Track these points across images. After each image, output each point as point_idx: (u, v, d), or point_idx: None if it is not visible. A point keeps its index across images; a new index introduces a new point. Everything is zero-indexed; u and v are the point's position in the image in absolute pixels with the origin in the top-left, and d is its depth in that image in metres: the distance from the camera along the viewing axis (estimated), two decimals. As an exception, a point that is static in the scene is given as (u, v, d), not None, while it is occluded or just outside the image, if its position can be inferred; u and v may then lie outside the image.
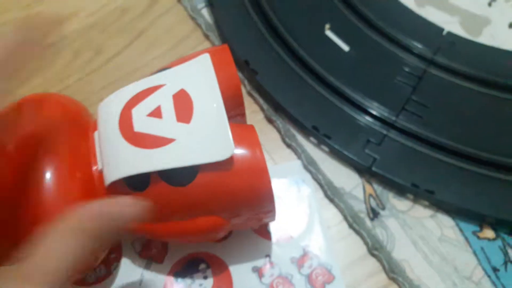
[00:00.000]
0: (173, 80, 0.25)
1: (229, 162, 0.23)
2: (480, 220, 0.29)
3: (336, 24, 0.35)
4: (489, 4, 0.37)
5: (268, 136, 0.33)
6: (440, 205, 0.30)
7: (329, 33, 0.35)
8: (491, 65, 0.33)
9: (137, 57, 0.36)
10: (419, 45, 0.34)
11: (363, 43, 0.34)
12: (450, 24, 0.36)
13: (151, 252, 0.28)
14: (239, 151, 0.23)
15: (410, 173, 0.30)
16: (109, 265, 0.28)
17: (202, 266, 0.28)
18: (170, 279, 0.28)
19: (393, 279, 0.28)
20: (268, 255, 0.29)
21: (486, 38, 0.35)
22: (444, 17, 0.36)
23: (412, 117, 0.31)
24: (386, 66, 0.33)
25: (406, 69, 0.33)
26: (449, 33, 0.35)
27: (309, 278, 0.28)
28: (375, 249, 0.28)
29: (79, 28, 0.37)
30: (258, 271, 0.28)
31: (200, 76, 0.25)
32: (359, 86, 0.32)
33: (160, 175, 0.23)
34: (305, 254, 0.29)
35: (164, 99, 0.24)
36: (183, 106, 0.24)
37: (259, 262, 0.28)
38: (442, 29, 0.35)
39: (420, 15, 0.36)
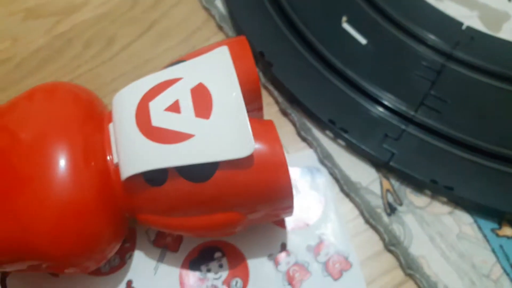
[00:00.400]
0: (191, 73, 0.25)
1: (249, 158, 0.22)
2: (499, 217, 0.29)
3: (353, 17, 0.34)
4: (509, 0, 0.37)
5: (283, 129, 0.32)
6: (458, 202, 0.29)
7: (346, 26, 0.34)
8: (511, 60, 0.33)
9: (148, 48, 0.36)
10: (438, 39, 0.33)
11: (380, 36, 0.34)
12: (470, 19, 0.35)
13: (165, 241, 0.28)
14: (259, 147, 0.23)
15: (429, 168, 0.29)
16: (123, 255, 0.28)
17: (218, 254, 0.28)
18: (185, 267, 0.27)
19: (410, 275, 0.28)
20: (284, 243, 0.28)
21: (506, 33, 0.35)
22: (463, 11, 0.36)
23: (431, 112, 0.31)
24: (404, 60, 0.33)
25: (425, 63, 0.33)
26: (469, 28, 0.34)
27: (326, 265, 0.28)
28: (392, 245, 0.28)
29: (89, 18, 0.37)
30: (274, 259, 0.28)
31: (218, 69, 0.24)
32: (377, 79, 0.32)
33: (178, 170, 0.22)
34: (321, 242, 0.28)
35: (182, 93, 0.24)
36: (202, 101, 0.23)
37: (275, 250, 0.28)
38: (461, 24, 0.34)
39: (439, 9, 0.35)
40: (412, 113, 0.31)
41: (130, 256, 0.28)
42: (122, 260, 0.28)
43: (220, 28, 0.36)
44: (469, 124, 0.30)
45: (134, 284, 0.27)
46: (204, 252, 0.28)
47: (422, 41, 0.33)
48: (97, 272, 0.27)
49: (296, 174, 0.30)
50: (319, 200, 0.30)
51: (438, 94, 0.31)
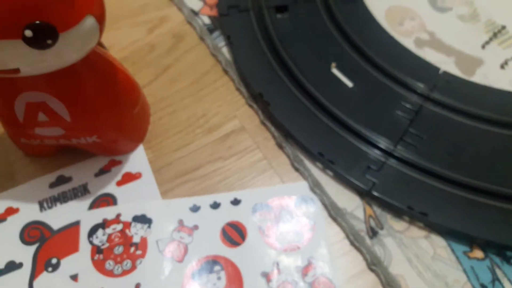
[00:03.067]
0: None
1: None
2: (470, 241, 0.32)
3: (341, 63, 0.39)
4: (483, 47, 0.41)
5: (279, 161, 0.36)
6: (433, 227, 0.33)
7: (335, 71, 0.39)
8: (483, 102, 0.37)
9: (163, 88, 0.40)
10: (417, 83, 0.38)
11: (365, 80, 0.38)
12: (446, 64, 0.40)
13: (172, 252, 0.32)
14: None
15: (406, 197, 0.33)
16: (134, 260, 0.32)
17: (217, 267, 0.31)
18: (188, 276, 0.31)
19: (389, 292, 0.31)
20: (276, 263, 0.32)
21: (479, 77, 0.39)
22: (440, 57, 0.40)
23: (409, 147, 0.35)
24: (386, 100, 0.37)
25: (405, 104, 0.37)
26: (445, 73, 0.39)
27: (311, 285, 0.31)
28: (374, 265, 0.31)
29: (112, 62, 0.42)
30: (267, 276, 0.31)
31: None
32: (361, 118, 0.36)
33: None
34: (309, 264, 0.32)
35: None
36: None
37: (268, 268, 0.32)
38: (438, 69, 0.39)
39: (419, 56, 0.40)
40: (392, 147, 0.35)
41: (141, 262, 0.32)
42: (133, 265, 0.32)
43: (226, 72, 0.41)
44: (443, 157, 0.34)
45: (141, 287, 0.31)
46: (206, 264, 0.32)
47: (402, 84, 0.38)
48: (111, 274, 0.31)
49: (292, 202, 0.34)
50: (311, 227, 0.33)
51: (416, 131, 0.35)
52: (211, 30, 0.43)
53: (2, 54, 0.23)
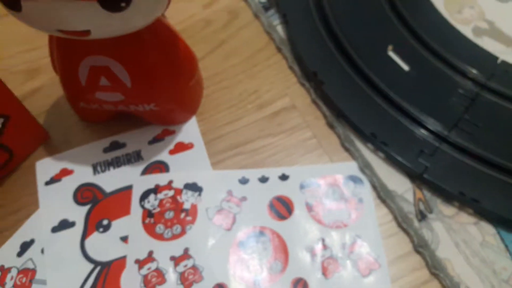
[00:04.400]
0: None
1: None
2: (521, 231, 0.32)
3: (398, 46, 0.39)
4: (544, 39, 0.40)
5: (329, 140, 0.37)
6: (483, 214, 0.32)
7: (391, 54, 0.38)
8: (541, 93, 0.36)
9: (217, 63, 0.41)
10: (474, 71, 0.37)
11: (422, 64, 0.38)
12: (505, 54, 0.39)
13: (221, 220, 0.33)
14: None
15: (458, 182, 0.33)
16: (184, 226, 0.33)
17: (264, 238, 0.32)
18: (236, 244, 0.32)
19: (435, 275, 0.31)
20: (322, 239, 0.32)
21: (539, 69, 0.38)
22: (499, 47, 0.39)
23: (463, 134, 0.34)
24: (442, 86, 0.37)
25: (461, 91, 0.36)
26: (503, 62, 0.38)
27: (357, 263, 0.31)
28: (420, 247, 0.31)
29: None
30: (312, 251, 0.32)
31: None
32: (416, 102, 0.36)
33: None
34: (355, 242, 0.32)
35: None
36: None
37: (313, 243, 0.32)
38: (497, 58, 0.38)
39: (477, 44, 0.39)
40: (446, 133, 0.34)
41: (190, 228, 0.33)
42: (183, 230, 0.32)
43: (279, 50, 0.41)
44: (498, 146, 0.34)
45: (190, 252, 0.32)
46: (253, 234, 0.32)
47: (459, 71, 0.37)
48: (160, 237, 0.32)
49: (340, 181, 0.34)
50: (359, 206, 0.33)
51: (471, 119, 0.35)
52: (266, 8, 0.43)
53: (76, 15, 0.24)
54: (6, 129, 0.32)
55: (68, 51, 0.31)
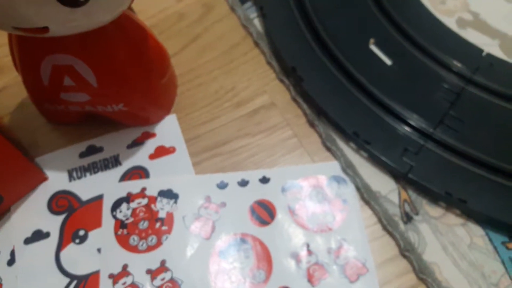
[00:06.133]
0: None
1: None
2: (509, 231, 0.31)
3: (380, 40, 0.37)
4: (528, 30, 0.39)
5: (310, 139, 0.35)
6: (471, 214, 0.31)
7: (373, 47, 0.37)
8: (527, 87, 0.35)
9: (191, 59, 0.39)
10: (459, 64, 0.36)
11: (405, 58, 0.36)
12: (490, 47, 0.38)
13: (199, 228, 0.31)
14: None
15: (444, 182, 0.31)
16: (159, 236, 0.31)
17: (245, 246, 0.30)
18: (215, 254, 0.30)
19: (422, 280, 0.30)
20: (307, 244, 0.31)
21: (524, 61, 0.37)
22: (484, 39, 0.38)
23: (449, 131, 0.33)
24: (426, 81, 0.35)
25: (445, 86, 0.35)
26: (489, 55, 0.37)
27: (344, 268, 0.30)
28: (407, 251, 0.30)
29: (138, 29, 0.40)
30: (296, 257, 0.30)
31: None
32: (400, 98, 0.34)
33: None
34: (341, 246, 0.31)
35: None
36: None
37: (298, 249, 0.30)
38: (482, 51, 0.37)
39: (461, 36, 0.38)
40: (431, 130, 0.33)
41: (167, 238, 0.31)
42: (159, 241, 0.31)
43: (257, 44, 0.39)
44: (484, 143, 0.33)
45: (167, 264, 0.30)
46: (234, 242, 0.31)
47: (444, 65, 0.36)
48: (135, 249, 0.30)
49: (323, 182, 0.33)
50: (344, 208, 0.32)
51: (457, 114, 0.34)
52: (242, 1, 0.41)
53: (32, 11, 0.22)
54: None
55: (28, 49, 0.29)
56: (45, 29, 0.23)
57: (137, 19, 0.30)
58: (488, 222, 0.31)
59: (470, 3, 0.40)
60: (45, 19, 0.23)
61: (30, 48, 0.28)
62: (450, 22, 0.39)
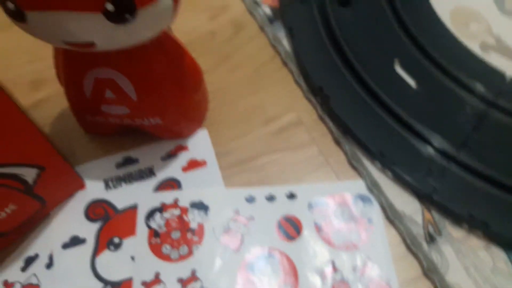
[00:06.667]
0: None
1: None
2: (531, 254, 0.31)
3: (404, 62, 0.38)
4: (552, 55, 0.40)
5: (335, 157, 0.36)
6: (493, 237, 0.32)
7: (398, 69, 0.38)
8: (551, 112, 0.36)
9: (222, 76, 0.40)
10: (482, 88, 0.37)
11: (429, 81, 0.37)
12: (513, 71, 0.38)
13: (229, 240, 0.32)
14: None
15: (467, 204, 0.32)
16: (191, 246, 0.32)
17: (272, 260, 0.32)
18: (244, 266, 0.31)
19: (445, 300, 0.30)
20: (332, 261, 0.32)
21: (547, 86, 0.38)
22: (507, 63, 0.39)
23: (472, 153, 0.34)
24: (449, 103, 0.36)
25: (469, 109, 0.36)
26: (512, 79, 0.38)
27: (368, 286, 0.31)
28: (430, 271, 0.31)
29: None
30: (322, 274, 0.31)
31: None
32: (424, 119, 0.35)
33: None
34: (366, 265, 0.31)
35: None
36: None
37: (323, 265, 0.31)
38: (505, 74, 0.38)
39: (484, 60, 0.39)
40: (454, 152, 0.34)
41: (197, 249, 0.32)
42: (190, 251, 0.32)
43: (285, 63, 0.41)
44: (508, 166, 0.33)
45: (197, 274, 0.31)
46: (262, 256, 0.32)
47: (467, 88, 0.37)
48: (167, 258, 0.32)
49: (349, 200, 0.34)
50: (368, 226, 0.33)
51: (480, 137, 0.35)
52: (272, 21, 0.42)
53: (81, 27, 0.23)
54: (40, 180, 0.31)
55: (73, 62, 0.30)
56: (92, 44, 0.25)
57: (174, 37, 0.32)
58: (510, 245, 0.32)
59: (493, 27, 0.41)
60: (92, 34, 0.24)
61: (75, 62, 0.30)
62: (473, 46, 0.40)
